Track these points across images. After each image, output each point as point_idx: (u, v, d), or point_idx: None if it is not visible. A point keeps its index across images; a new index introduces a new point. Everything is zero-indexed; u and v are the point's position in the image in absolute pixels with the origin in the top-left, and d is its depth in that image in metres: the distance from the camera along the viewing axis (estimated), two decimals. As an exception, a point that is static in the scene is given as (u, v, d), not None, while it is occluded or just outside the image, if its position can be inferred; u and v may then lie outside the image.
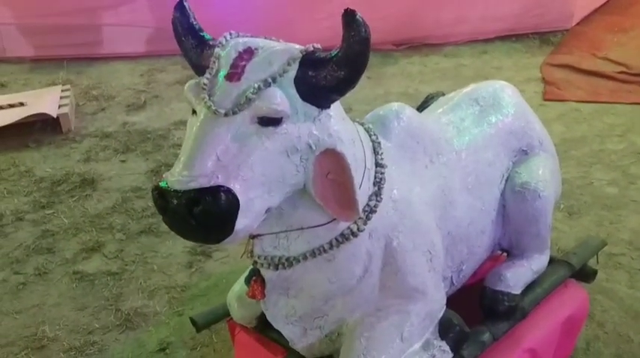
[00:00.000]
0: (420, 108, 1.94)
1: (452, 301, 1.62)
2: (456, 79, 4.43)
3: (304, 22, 4.80)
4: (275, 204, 1.25)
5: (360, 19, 1.15)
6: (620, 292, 2.37)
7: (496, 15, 5.02)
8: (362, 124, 1.53)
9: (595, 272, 2.00)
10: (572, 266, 1.90)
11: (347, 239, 1.36)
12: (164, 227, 2.80)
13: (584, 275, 1.98)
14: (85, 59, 5.14)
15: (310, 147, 1.24)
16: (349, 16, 1.15)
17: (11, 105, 4.13)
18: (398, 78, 4.64)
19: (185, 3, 1.32)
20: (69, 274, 2.71)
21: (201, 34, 1.32)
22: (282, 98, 1.20)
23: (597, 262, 2.03)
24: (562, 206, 2.83)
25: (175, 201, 1.14)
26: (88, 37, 5.20)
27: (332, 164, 1.27)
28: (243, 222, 1.18)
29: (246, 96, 1.18)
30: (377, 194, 1.40)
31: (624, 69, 4.29)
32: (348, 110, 3.93)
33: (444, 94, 1.96)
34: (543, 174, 1.77)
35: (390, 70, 4.74)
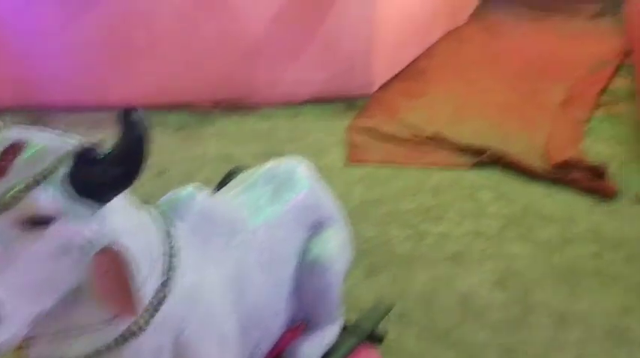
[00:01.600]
0: (221, 184, 1.99)
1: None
2: (269, 140, 4.61)
3: (123, 80, 4.67)
4: (47, 307, 1.19)
5: (136, 119, 1.17)
6: (411, 346, 2.59)
7: (307, 79, 5.36)
8: (157, 208, 1.53)
9: (384, 336, 2.20)
10: (363, 330, 2.07)
11: (133, 335, 1.33)
12: None
13: (375, 338, 2.16)
14: None
15: (86, 246, 1.21)
16: (125, 116, 1.16)
17: None
18: (216, 138, 4.69)
19: None
20: None
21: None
22: (52, 197, 1.15)
23: (389, 320, 2.22)
24: (361, 265, 3.05)
25: None
26: None
27: (111, 261, 1.25)
28: (7, 333, 1.10)
29: (11, 195, 1.12)
30: (165, 284, 1.39)
31: (417, 132, 4.79)
32: (164, 172, 3.87)
33: (243, 171, 2.03)
34: (333, 247, 1.92)
35: (209, 130, 4.78)
